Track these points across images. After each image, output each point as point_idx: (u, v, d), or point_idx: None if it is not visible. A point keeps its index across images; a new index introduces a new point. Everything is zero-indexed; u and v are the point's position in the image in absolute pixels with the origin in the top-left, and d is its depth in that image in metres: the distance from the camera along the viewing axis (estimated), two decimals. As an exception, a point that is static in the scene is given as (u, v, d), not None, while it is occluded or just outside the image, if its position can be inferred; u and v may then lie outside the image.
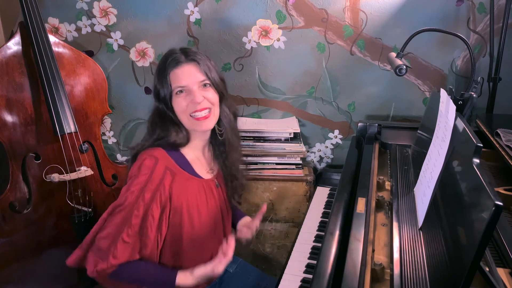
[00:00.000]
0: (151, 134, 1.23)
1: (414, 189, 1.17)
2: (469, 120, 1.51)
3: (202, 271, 1.11)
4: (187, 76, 1.16)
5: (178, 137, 1.20)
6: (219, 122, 1.27)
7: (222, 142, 1.30)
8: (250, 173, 1.85)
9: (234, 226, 1.45)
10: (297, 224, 1.89)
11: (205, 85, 1.19)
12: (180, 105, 1.17)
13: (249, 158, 1.87)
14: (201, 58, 1.19)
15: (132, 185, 1.12)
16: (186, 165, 1.23)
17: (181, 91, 1.17)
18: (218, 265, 1.10)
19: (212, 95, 1.20)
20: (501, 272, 0.86)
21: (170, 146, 1.20)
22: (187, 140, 1.23)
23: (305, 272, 1.17)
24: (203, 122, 1.19)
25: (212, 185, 1.29)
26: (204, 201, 1.25)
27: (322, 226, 1.40)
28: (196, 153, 1.28)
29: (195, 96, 1.16)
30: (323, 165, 2.15)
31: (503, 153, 1.23)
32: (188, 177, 1.22)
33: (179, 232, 1.20)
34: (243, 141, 1.88)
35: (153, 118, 1.23)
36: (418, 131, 1.41)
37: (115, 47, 1.96)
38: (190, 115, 1.18)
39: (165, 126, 1.21)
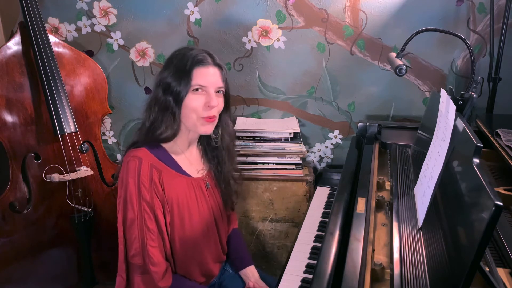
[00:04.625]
0: (145, 121, 1.23)
1: (414, 189, 1.17)
2: (469, 120, 1.51)
3: None
4: (211, 77, 1.17)
5: (166, 131, 1.18)
6: (215, 129, 1.28)
7: (216, 147, 1.31)
8: (250, 173, 1.86)
9: (236, 266, 1.41)
10: (297, 224, 1.89)
11: (219, 91, 1.21)
12: (194, 102, 1.17)
13: (249, 158, 1.88)
14: (223, 66, 1.22)
15: (128, 193, 1.13)
16: (172, 163, 1.23)
17: (197, 89, 1.17)
18: None
19: (221, 103, 1.22)
20: (501, 272, 0.86)
21: (155, 140, 1.19)
22: (173, 136, 1.21)
23: (305, 272, 1.17)
24: (208, 125, 1.20)
25: (202, 184, 1.29)
26: (194, 200, 1.25)
27: (322, 226, 1.40)
28: (182, 152, 1.27)
29: (212, 99, 1.17)
30: (323, 165, 2.15)
31: (503, 153, 1.23)
32: (175, 174, 1.22)
33: (170, 231, 1.20)
34: (243, 141, 1.89)
35: (151, 106, 1.22)
36: (418, 131, 1.41)
37: (115, 47, 1.96)
38: (200, 116, 1.18)
39: (160, 117, 1.19)
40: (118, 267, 1.19)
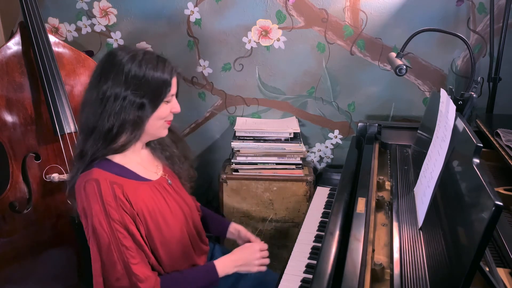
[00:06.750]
0: (92, 128, 1.12)
1: (414, 189, 1.17)
2: (469, 120, 1.51)
3: (238, 254, 1.25)
4: (175, 85, 1.18)
5: (129, 139, 1.14)
6: None
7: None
8: (250, 173, 1.86)
9: (221, 233, 1.43)
10: (297, 224, 1.89)
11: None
12: (164, 111, 1.16)
13: (249, 158, 1.88)
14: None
15: (94, 219, 1.07)
16: (128, 174, 1.18)
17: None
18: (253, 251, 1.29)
19: None
20: (501, 272, 0.86)
21: (109, 150, 1.13)
22: (130, 144, 1.16)
23: (305, 272, 1.17)
24: (167, 128, 1.22)
25: (164, 183, 1.26)
26: (163, 202, 1.22)
27: (322, 226, 1.40)
28: (134, 159, 1.22)
29: (177, 105, 1.18)
30: (323, 165, 2.15)
31: (503, 153, 1.23)
32: (136, 184, 1.17)
33: (149, 240, 1.17)
34: (243, 141, 1.89)
35: (110, 114, 1.10)
36: (418, 131, 1.41)
37: (115, 47, 1.96)
38: (165, 120, 1.19)
39: (123, 126, 1.12)
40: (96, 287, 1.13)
